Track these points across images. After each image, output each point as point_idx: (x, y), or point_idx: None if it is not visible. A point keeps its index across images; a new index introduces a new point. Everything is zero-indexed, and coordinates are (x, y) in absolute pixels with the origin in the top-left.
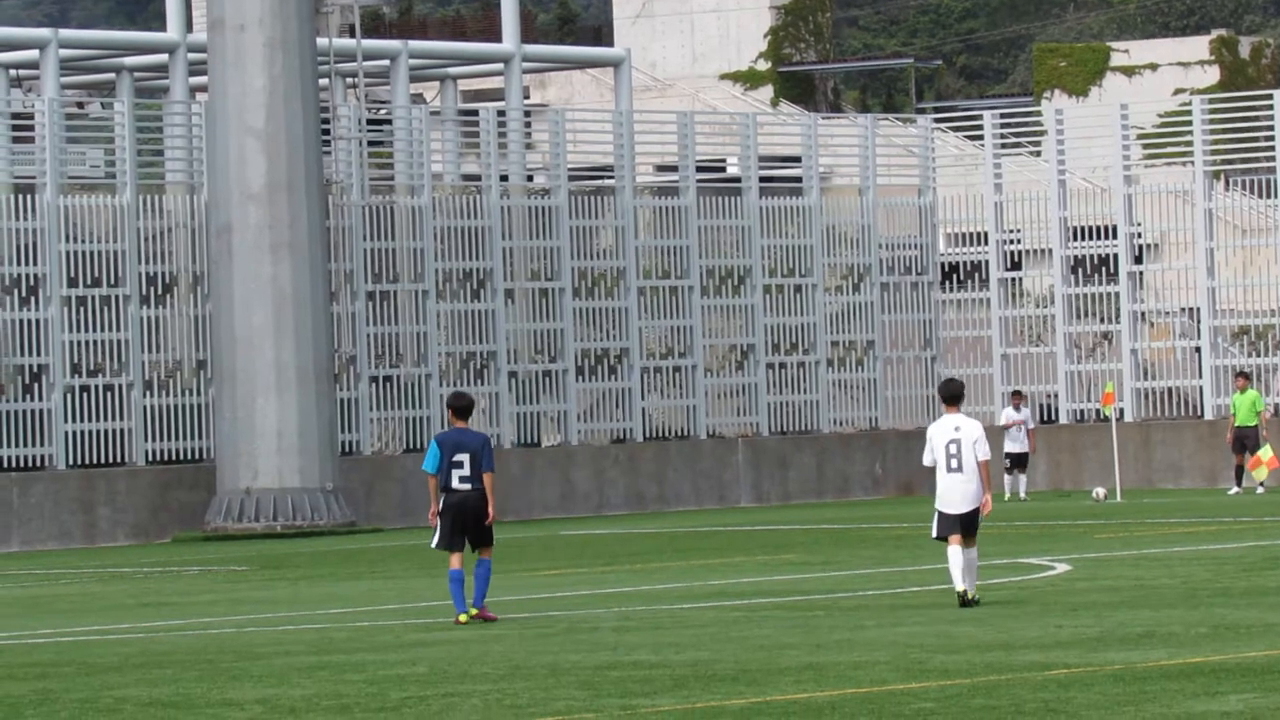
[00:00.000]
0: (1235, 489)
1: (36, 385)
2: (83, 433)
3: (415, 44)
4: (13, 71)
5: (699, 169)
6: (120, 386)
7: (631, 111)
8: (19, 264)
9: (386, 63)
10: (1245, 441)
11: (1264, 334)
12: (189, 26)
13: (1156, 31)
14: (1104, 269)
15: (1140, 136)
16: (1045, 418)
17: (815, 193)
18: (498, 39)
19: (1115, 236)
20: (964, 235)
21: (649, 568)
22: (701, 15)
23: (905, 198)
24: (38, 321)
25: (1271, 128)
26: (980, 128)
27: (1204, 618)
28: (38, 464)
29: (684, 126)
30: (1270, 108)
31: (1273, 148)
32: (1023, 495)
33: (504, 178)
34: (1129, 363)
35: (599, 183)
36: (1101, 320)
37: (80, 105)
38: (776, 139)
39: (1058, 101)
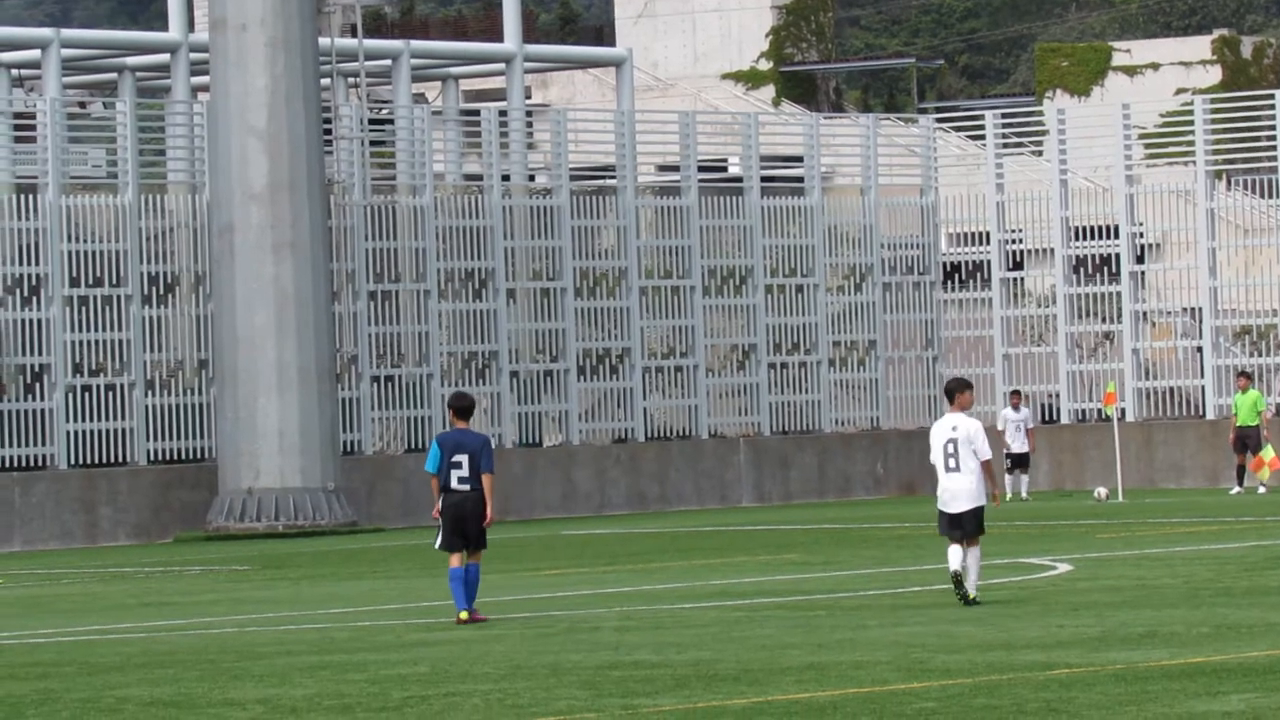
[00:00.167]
0: (1237, 489)
1: (38, 385)
2: (84, 432)
3: (417, 44)
4: (15, 71)
5: (701, 169)
6: (122, 386)
7: (633, 111)
8: (21, 264)
9: (388, 62)
10: (1247, 441)
11: (1265, 334)
12: (191, 26)
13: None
14: (1106, 269)
15: (1142, 136)
16: (1047, 418)
17: (817, 192)
18: (499, 39)
19: (1117, 236)
20: (966, 235)
21: (650, 567)
22: (703, 15)
23: (907, 197)
24: (39, 321)
25: (1273, 127)
26: (982, 127)
27: (1206, 617)
28: (39, 464)
29: (685, 126)
30: (1272, 107)
31: (1274, 147)
32: (1024, 495)
33: (506, 177)
34: (1131, 362)
35: (601, 182)
36: (1103, 320)
37: (82, 105)
38: (778, 139)
39: (1059, 101)
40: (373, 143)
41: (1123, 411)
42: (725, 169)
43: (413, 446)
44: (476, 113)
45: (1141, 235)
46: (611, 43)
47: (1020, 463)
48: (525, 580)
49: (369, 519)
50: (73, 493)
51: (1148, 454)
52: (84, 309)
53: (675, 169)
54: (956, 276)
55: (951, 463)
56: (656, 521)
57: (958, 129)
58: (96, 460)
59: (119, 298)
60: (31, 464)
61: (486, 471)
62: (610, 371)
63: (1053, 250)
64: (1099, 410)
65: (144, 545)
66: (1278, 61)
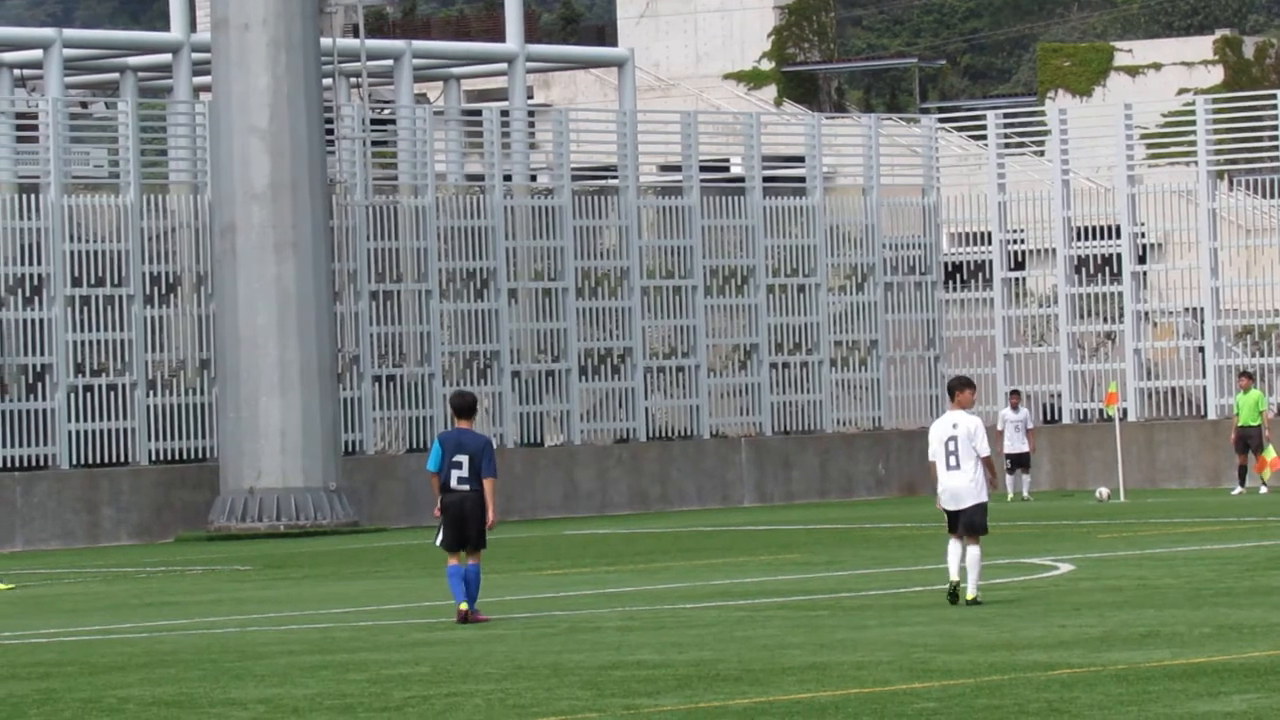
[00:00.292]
0: (1238, 489)
1: (40, 385)
2: (86, 432)
3: (419, 44)
4: (17, 71)
5: (702, 169)
6: (124, 386)
7: (635, 111)
8: (23, 264)
9: (390, 62)
10: (1249, 441)
11: (1267, 334)
12: (193, 26)
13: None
14: (1107, 269)
15: (1144, 136)
16: (1048, 418)
17: (819, 193)
18: (501, 39)
19: (1119, 236)
20: (967, 235)
21: (652, 567)
22: (705, 15)
23: (909, 198)
24: (41, 321)
25: (1275, 127)
26: (984, 127)
27: (1207, 618)
28: (41, 463)
29: (687, 126)
30: (1274, 107)
31: (1276, 147)
32: (1025, 494)
33: (507, 177)
34: (1132, 362)
35: (602, 182)
36: (1105, 320)
37: (84, 105)
38: (780, 139)
39: (1061, 101)
40: (374, 143)
41: (1124, 411)
42: (727, 169)
43: (414, 446)
44: (478, 113)
45: (1143, 235)
46: (613, 43)
47: (1021, 462)
48: (527, 580)
49: (370, 519)
50: (74, 492)
51: (1149, 454)
52: (86, 309)
53: (677, 169)
54: (958, 276)
55: (952, 460)
56: (658, 521)
57: (960, 129)
58: (98, 460)
59: (121, 298)
60: (33, 464)
61: (489, 476)
62: (612, 371)
63: (1054, 250)
64: (1101, 410)
65: (146, 545)
66: (1279, 61)
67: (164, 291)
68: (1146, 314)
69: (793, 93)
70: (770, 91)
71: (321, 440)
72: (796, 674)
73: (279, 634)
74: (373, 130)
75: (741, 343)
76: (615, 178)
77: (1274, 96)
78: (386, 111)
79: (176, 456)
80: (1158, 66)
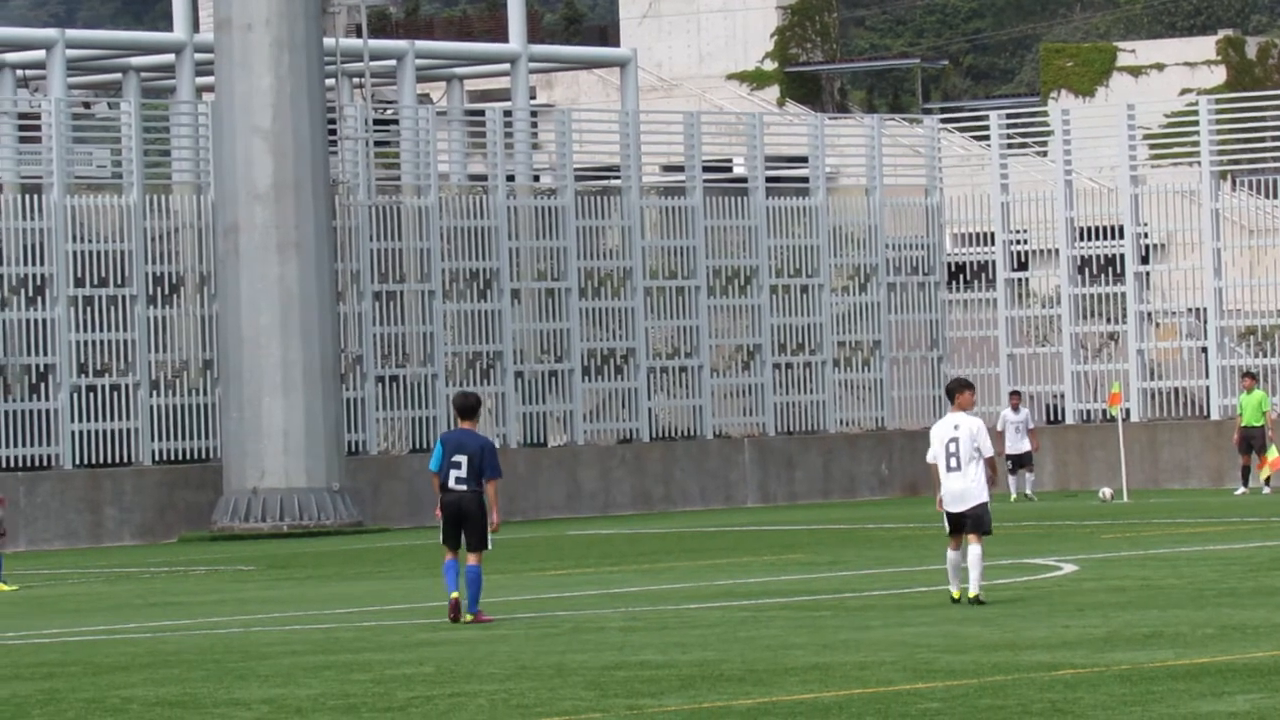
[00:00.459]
0: (1241, 489)
1: (43, 385)
2: (89, 432)
3: (422, 44)
4: (20, 71)
5: (705, 169)
6: (127, 386)
7: (638, 111)
8: (26, 264)
9: (393, 63)
10: (1252, 442)
11: (1270, 334)
12: (195, 26)
13: (1163, 31)
14: (1110, 269)
15: (1147, 137)
16: (1051, 418)
17: (821, 193)
18: (504, 39)
19: (1122, 237)
20: (970, 235)
21: (655, 568)
22: (708, 15)
23: (912, 198)
24: (44, 321)
25: (1278, 128)
26: (987, 128)
27: (1211, 618)
28: (44, 464)
29: (690, 126)
30: (1277, 108)
31: (1279, 147)
32: (1029, 493)
33: (510, 178)
34: (1135, 363)
35: (605, 183)
36: (1108, 320)
37: (87, 105)
38: (783, 139)
39: (1064, 101)
40: (377, 143)
41: (1127, 412)
42: (730, 169)
43: (417, 447)
44: (481, 113)
45: (1146, 236)
46: (616, 43)
47: (1023, 462)
48: (530, 580)
49: (373, 519)
50: (78, 493)
51: (1152, 454)
52: (89, 309)
53: (680, 169)
54: (961, 277)
55: (953, 462)
56: (661, 522)
57: (962, 129)
58: (101, 460)
59: (124, 298)
60: (36, 464)
61: (492, 477)
62: (615, 372)
63: (1057, 251)
64: (1104, 411)
65: (149, 545)
66: None
67: (167, 292)
68: (1149, 314)
69: (795, 93)
70: (773, 92)
71: (324, 440)
72: (800, 674)
73: (282, 634)
74: (376, 130)
75: (745, 343)
76: (618, 178)
77: (1277, 97)
78: (389, 112)
79: (179, 457)
80: (1160, 67)
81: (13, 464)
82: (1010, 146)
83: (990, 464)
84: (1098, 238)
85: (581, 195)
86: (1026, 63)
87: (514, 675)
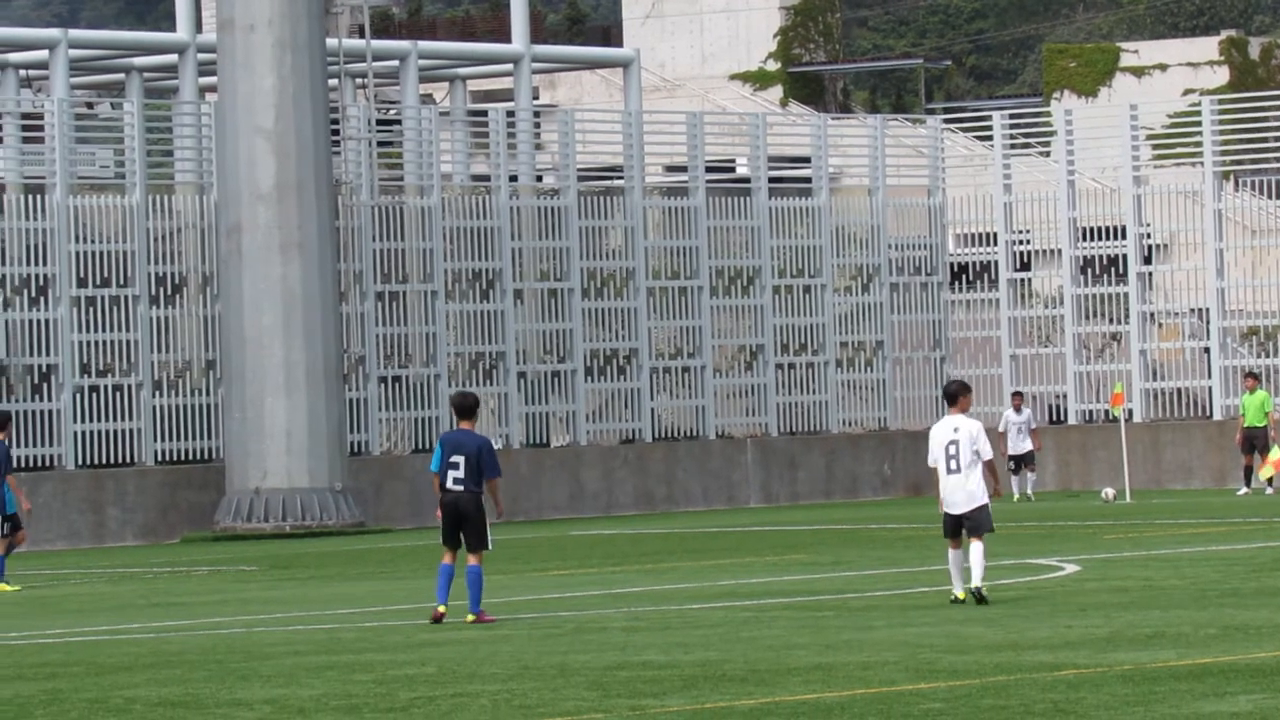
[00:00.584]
0: (1244, 489)
1: (46, 385)
2: (92, 433)
3: (424, 44)
4: (22, 72)
5: (708, 169)
6: (129, 387)
7: (641, 112)
8: (29, 264)
9: (396, 63)
10: (1254, 442)
11: (1273, 334)
12: (198, 27)
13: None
14: (1113, 269)
15: (1150, 137)
16: (1054, 418)
17: (824, 193)
18: (507, 39)
19: (1124, 237)
20: (973, 236)
21: (658, 568)
22: (711, 15)
23: (914, 198)
24: (47, 321)
25: None
26: (989, 128)
27: (1213, 618)
28: (47, 464)
29: (693, 127)
30: (1279, 108)
31: None
32: (1029, 493)
33: (513, 178)
34: (1138, 363)
35: (608, 183)
36: (1110, 321)
37: (90, 105)
38: (786, 139)
39: (1067, 102)
40: (380, 143)
41: (1130, 412)
42: (733, 169)
43: (420, 447)
44: (484, 113)
45: (1149, 236)
46: (619, 43)
47: (1025, 462)
48: (533, 580)
49: (376, 519)
50: (80, 493)
51: (1155, 455)
52: (91, 309)
53: (683, 169)
54: (964, 277)
55: (953, 464)
56: (664, 522)
57: (965, 130)
58: (104, 461)
59: (126, 298)
60: (39, 464)
61: (492, 476)
62: (618, 372)
63: (1060, 251)
64: (1106, 411)
65: (151, 546)
66: None
67: (169, 292)
68: (1152, 315)
69: (798, 93)
70: (776, 92)
71: (327, 441)
72: (802, 674)
73: (285, 634)
74: (378, 131)
75: (747, 343)
76: (621, 178)
77: (1279, 97)
78: (392, 112)
79: (182, 457)
80: (1163, 67)
81: (16, 464)
82: (1013, 147)
83: (989, 466)
84: (1100, 238)
85: (584, 195)
86: (1029, 63)
87: (516, 675)
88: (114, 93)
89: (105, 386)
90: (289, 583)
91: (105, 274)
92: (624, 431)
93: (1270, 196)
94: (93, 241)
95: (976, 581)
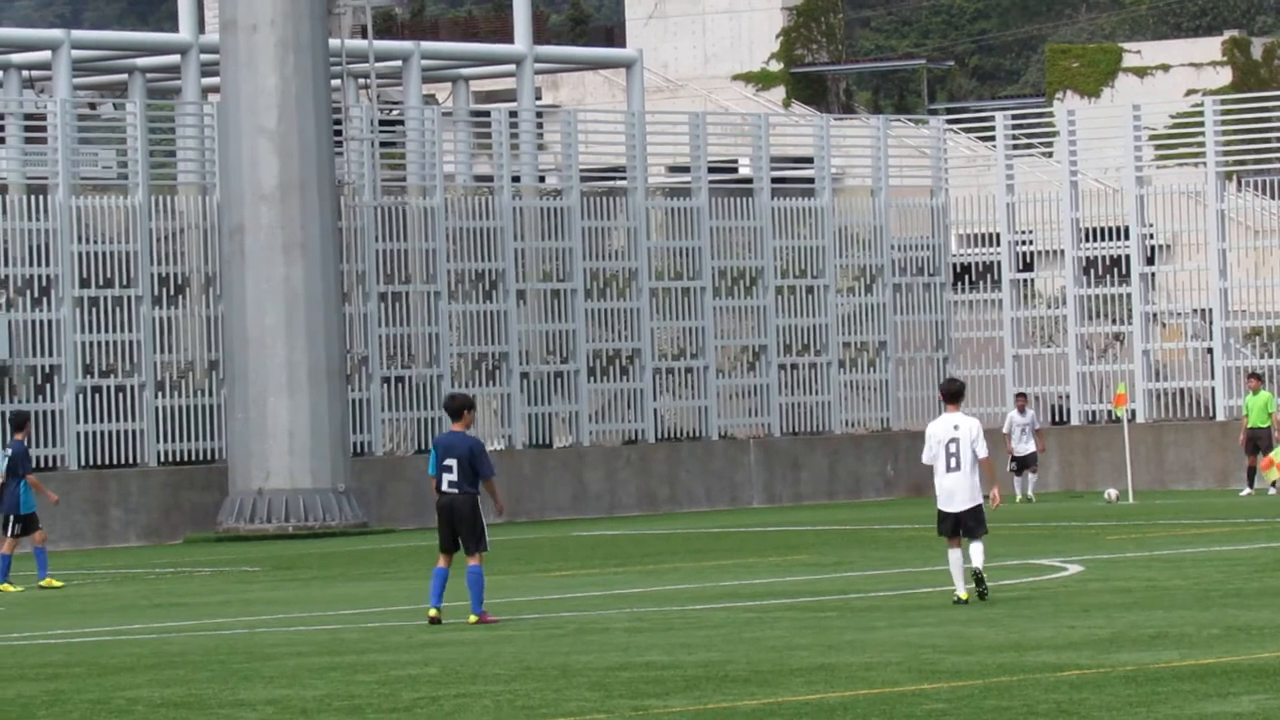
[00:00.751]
0: (1247, 490)
1: (49, 386)
2: (95, 433)
3: (427, 45)
4: (25, 72)
5: (711, 170)
6: (132, 387)
7: (643, 112)
8: (31, 265)
9: (399, 63)
10: (1258, 443)
11: (1276, 335)
12: (201, 27)
13: (1169, 32)
14: (1116, 270)
15: (1152, 137)
16: (1057, 419)
17: (827, 194)
18: (510, 40)
19: (1127, 237)
20: (976, 236)
21: (661, 568)
22: (713, 16)
23: (917, 199)
24: (50, 322)
25: None
26: (992, 129)
27: (1216, 619)
28: (50, 464)
29: (696, 127)
30: None
31: None
32: (1030, 494)
33: (516, 179)
34: (1141, 364)
35: (611, 184)
36: (1113, 321)
37: (92, 106)
38: (788, 140)
39: (1070, 102)
40: (383, 144)
41: (1133, 413)
42: (735, 170)
43: (423, 448)
44: (487, 114)
45: (1152, 236)
46: (622, 44)
47: (1027, 463)
48: (536, 581)
49: (379, 520)
50: (83, 494)
51: (1158, 455)
52: (94, 310)
53: (685, 170)
54: (967, 278)
55: (953, 462)
56: (667, 523)
57: (968, 130)
58: (107, 461)
59: (129, 299)
60: (42, 465)
61: (486, 477)
62: (620, 373)
63: (1063, 251)
64: (1109, 411)
65: (154, 546)
66: None
67: (172, 292)
68: (1155, 315)
69: (801, 94)
70: (779, 93)
71: (330, 441)
72: (805, 675)
73: (287, 635)
74: (381, 131)
75: (750, 344)
76: (624, 179)
77: None
78: (395, 112)
79: (185, 458)
80: (1166, 68)
81: None
82: (1016, 147)
83: (986, 465)
84: (1103, 238)
85: (587, 196)
86: (1032, 63)
87: (519, 676)
88: (117, 93)
89: (108, 387)
90: (292, 583)
91: (108, 274)
92: (627, 432)
93: (1273, 197)
94: (95, 242)
95: (977, 563)
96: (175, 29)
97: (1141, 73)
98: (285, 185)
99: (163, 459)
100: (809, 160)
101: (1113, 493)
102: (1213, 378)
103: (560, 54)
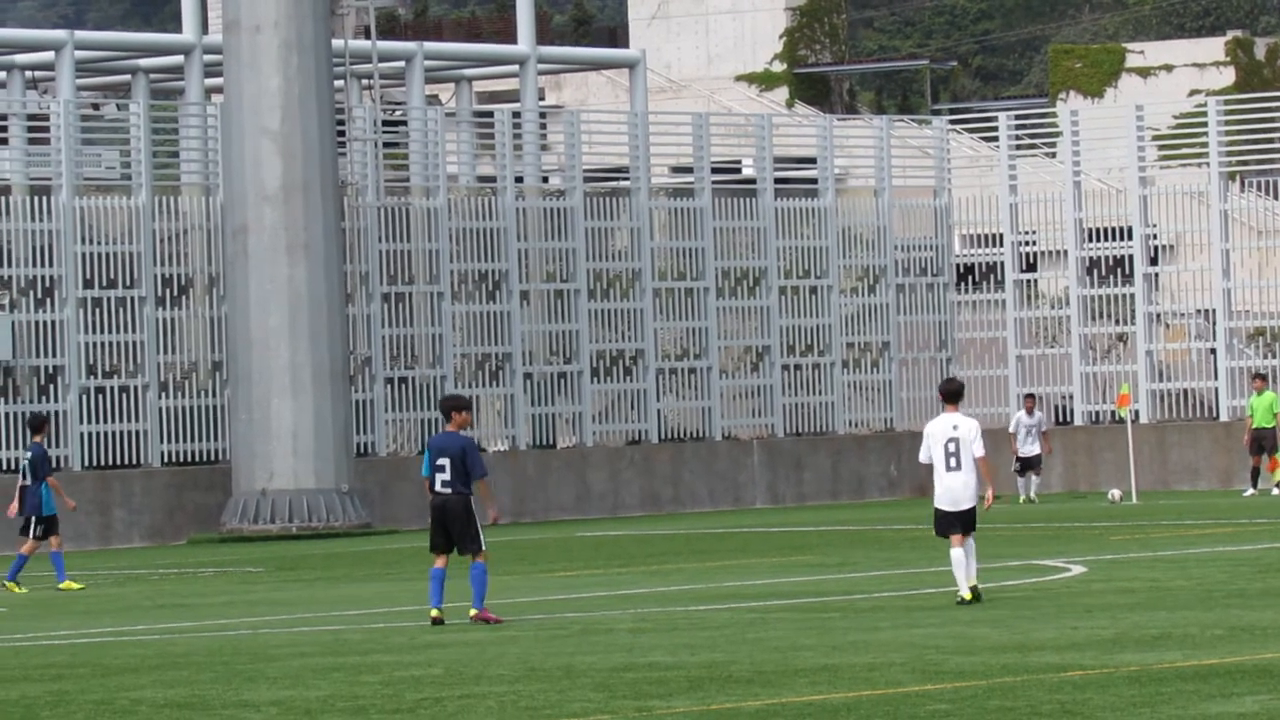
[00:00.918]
0: (1251, 490)
1: (52, 387)
2: (98, 434)
3: (430, 45)
4: (29, 73)
5: (714, 170)
6: (136, 388)
7: (646, 113)
8: (35, 265)
9: (402, 64)
10: (1263, 443)
11: (1279, 335)
12: (204, 28)
13: (1172, 33)
14: (1119, 270)
15: (1155, 138)
16: (1060, 419)
17: (830, 194)
18: (513, 40)
19: (1130, 238)
20: (979, 236)
21: (664, 569)
22: (717, 16)
23: (920, 199)
24: (53, 323)
25: None
26: (995, 129)
27: (1219, 619)
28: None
29: (699, 128)
30: None
31: None
32: (1033, 496)
33: (519, 179)
34: (1144, 364)
35: (614, 184)
36: (1117, 322)
37: (96, 107)
38: (792, 140)
39: (1073, 103)
40: (386, 144)
41: (1136, 413)
42: (739, 171)
43: (426, 448)
44: (490, 114)
45: (1155, 237)
46: (625, 44)
47: (1031, 465)
48: (539, 581)
49: (382, 520)
50: (87, 495)
51: (1161, 456)
52: (98, 311)
53: (689, 171)
54: (970, 278)
55: (953, 461)
56: (670, 523)
57: (971, 131)
58: (110, 462)
59: (133, 299)
60: None
61: (478, 476)
62: (624, 373)
63: (1066, 252)
64: (1112, 412)
65: (158, 547)
66: None
67: (176, 293)
68: (1158, 315)
69: (804, 94)
70: (782, 93)
71: (333, 442)
72: (808, 676)
73: (291, 636)
74: (384, 132)
75: (753, 344)
76: (627, 179)
77: None
78: (398, 113)
79: (188, 458)
80: (1169, 68)
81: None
82: (1019, 148)
83: (983, 465)
84: (1106, 239)
85: (590, 197)
86: (1035, 64)
87: (523, 677)
88: (120, 94)
89: (111, 388)
90: (295, 584)
91: (111, 275)
92: (630, 432)
93: (1276, 197)
94: (99, 243)
95: (973, 579)
96: (178, 30)
97: (1145, 73)
98: (288, 186)
99: (166, 460)
100: (812, 161)
101: (1116, 493)
102: (1216, 378)
103: (563, 54)
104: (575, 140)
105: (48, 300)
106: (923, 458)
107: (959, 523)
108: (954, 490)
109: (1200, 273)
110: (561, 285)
